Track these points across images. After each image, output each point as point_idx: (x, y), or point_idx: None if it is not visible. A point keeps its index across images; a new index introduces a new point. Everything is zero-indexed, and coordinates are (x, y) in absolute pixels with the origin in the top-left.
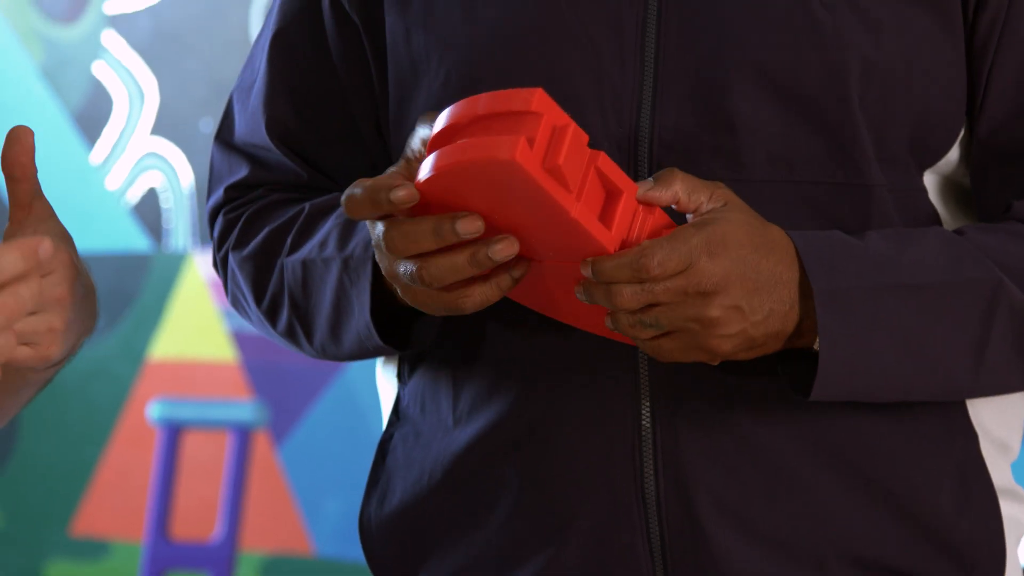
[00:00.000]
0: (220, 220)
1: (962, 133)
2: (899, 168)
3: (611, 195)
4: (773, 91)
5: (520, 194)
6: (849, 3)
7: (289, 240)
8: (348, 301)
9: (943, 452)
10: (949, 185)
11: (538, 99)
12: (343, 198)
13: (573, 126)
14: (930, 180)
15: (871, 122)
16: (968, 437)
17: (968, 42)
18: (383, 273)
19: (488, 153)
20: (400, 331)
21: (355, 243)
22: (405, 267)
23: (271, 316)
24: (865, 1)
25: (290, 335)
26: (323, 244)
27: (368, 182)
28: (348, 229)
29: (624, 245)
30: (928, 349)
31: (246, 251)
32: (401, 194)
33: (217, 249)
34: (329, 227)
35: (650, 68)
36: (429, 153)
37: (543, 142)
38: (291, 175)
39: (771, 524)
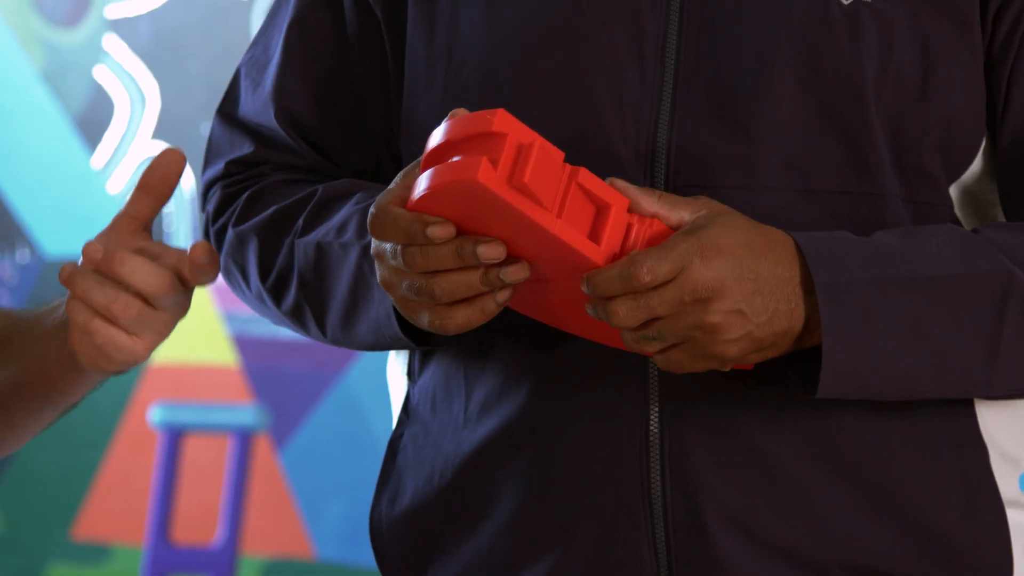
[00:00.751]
0: (217, 193)
1: (984, 143)
2: (925, 180)
3: (601, 210)
4: (790, 98)
5: (500, 214)
6: (868, 10)
7: (301, 221)
8: (367, 288)
9: (950, 463)
10: (969, 197)
11: (499, 119)
12: (371, 216)
13: (539, 143)
14: (954, 193)
15: (888, 129)
16: (977, 449)
17: (988, 49)
18: (379, 282)
19: (454, 176)
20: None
21: None
22: (413, 281)
23: (276, 293)
24: (884, 8)
25: (296, 315)
26: (341, 229)
27: (396, 209)
28: (366, 217)
29: (619, 258)
30: (938, 343)
31: (250, 225)
32: (438, 231)
33: (212, 222)
34: (347, 213)
35: (670, 74)
36: (423, 171)
37: (508, 161)
38: (296, 157)
39: (776, 531)
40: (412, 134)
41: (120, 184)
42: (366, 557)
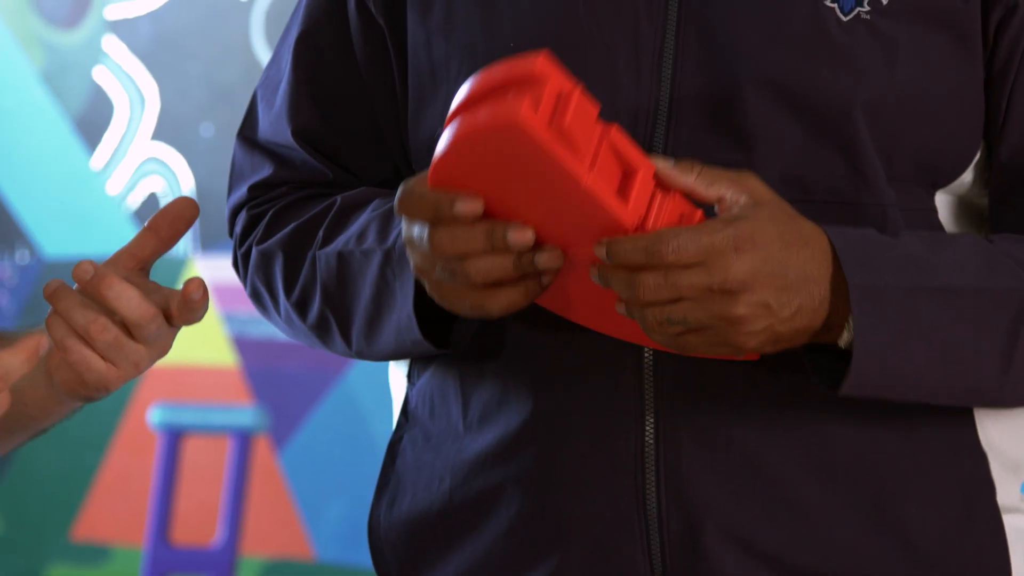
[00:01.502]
0: (243, 216)
1: (978, 155)
2: (908, 188)
3: (627, 174)
4: (788, 109)
5: (531, 165)
6: (867, 25)
7: (321, 233)
8: (390, 294)
9: (948, 474)
10: (963, 205)
11: (541, 64)
12: (397, 197)
13: (580, 91)
14: (943, 200)
15: (883, 143)
16: (976, 458)
17: (988, 65)
18: (413, 266)
19: (492, 119)
20: (438, 330)
21: (396, 234)
22: (447, 263)
23: (301, 308)
24: (883, 23)
25: (321, 328)
26: (361, 236)
27: (422, 187)
28: (387, 221)
29: (642, 226)
30: (956, 351)
31: (273, 242)
32: (466, 207)
33: (239, 245)
34: (365, 220)
35: (667, 83)
36: (447, 126)
37: (548, 105)
38: (316, 174)
39: (770, 542)
40: (419, 144)
41: (119, 185)
42: (365, 558)
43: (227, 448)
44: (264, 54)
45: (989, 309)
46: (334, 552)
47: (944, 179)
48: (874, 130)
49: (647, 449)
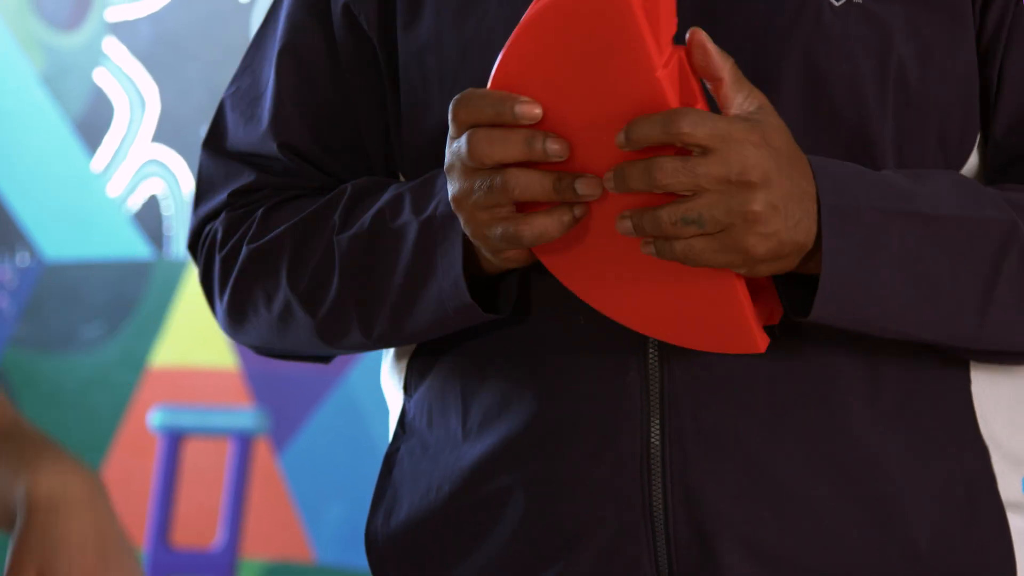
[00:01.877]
0: (222, 220)
1: (979, 137)
2: None
3: (685, 102)
4: (791, 103)
5: (609, 50)
6: (860, 9)
7: (336, 217)
8: (430, 263)
9: (952, 473)
10: None
11: None
12: (454, 102)
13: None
14: None
15: (891, 129)
16: (977, 453)
17: (977, 43)
18: (451, 197)
19: None
20: (482, 299)
21: (435, 204)
22: (486, 177)
23: (309, 299)
24: (876, 7)
25: (334, 319)
26: (393, 211)
27: (483, 90)
28: (422, 194)
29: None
30: (934, 282)
31: (273, 236)
32: (526, 108)
33: (220, 247)
34: (391, 197)
35: None
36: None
37: None
38: (302, 180)
39: (779, 545)
40: (415, 159)
41: (120, 187)
42: (365, 561)
43: (227, 450)
44: None
45: (970, 239)
46: (334, 554)
47: (955, 163)
48: (880, 116)
49: (653, 450)
